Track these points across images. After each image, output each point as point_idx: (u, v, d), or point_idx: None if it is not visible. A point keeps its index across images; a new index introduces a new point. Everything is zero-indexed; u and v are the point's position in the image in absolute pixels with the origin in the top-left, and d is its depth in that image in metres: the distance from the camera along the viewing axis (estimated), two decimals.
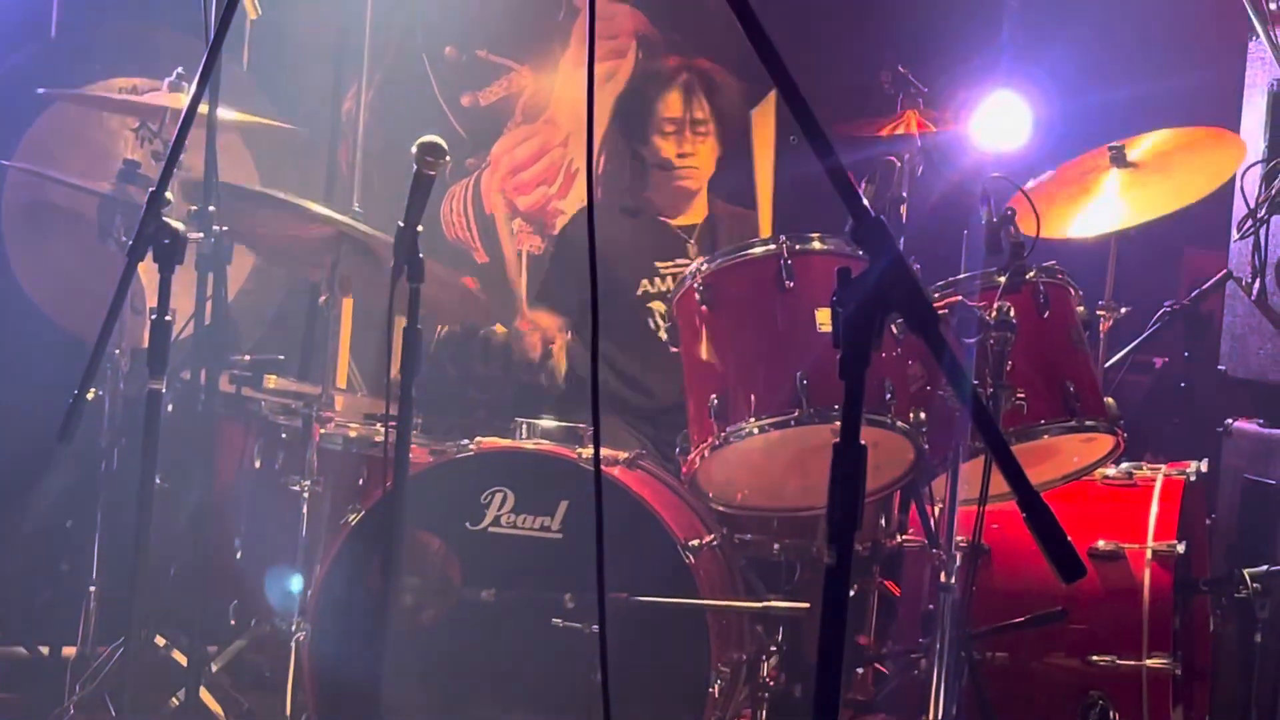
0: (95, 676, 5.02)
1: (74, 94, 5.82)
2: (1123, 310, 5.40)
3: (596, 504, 2.71)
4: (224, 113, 4.91)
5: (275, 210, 5.12)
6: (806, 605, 4.64)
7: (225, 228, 4.59)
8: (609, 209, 5.55)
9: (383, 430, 4.74)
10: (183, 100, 5.13)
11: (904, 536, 4.96)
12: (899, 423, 4.22)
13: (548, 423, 4.81)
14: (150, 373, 3.53)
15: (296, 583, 4.74)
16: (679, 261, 5.44)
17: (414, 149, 3.90)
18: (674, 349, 4.53)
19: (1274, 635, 5.01)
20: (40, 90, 5.80)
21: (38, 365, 5.96)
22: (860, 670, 4.97)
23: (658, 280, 5.45)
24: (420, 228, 3.92)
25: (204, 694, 4.83)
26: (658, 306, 5.43)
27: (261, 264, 6.52)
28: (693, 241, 5.48)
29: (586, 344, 5.45)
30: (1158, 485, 4.85)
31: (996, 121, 5.38)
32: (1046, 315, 4.45)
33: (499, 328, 5.44)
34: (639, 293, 5.44)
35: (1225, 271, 5.66)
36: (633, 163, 5.55)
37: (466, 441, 4.72)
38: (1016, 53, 6.16)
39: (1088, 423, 4.41)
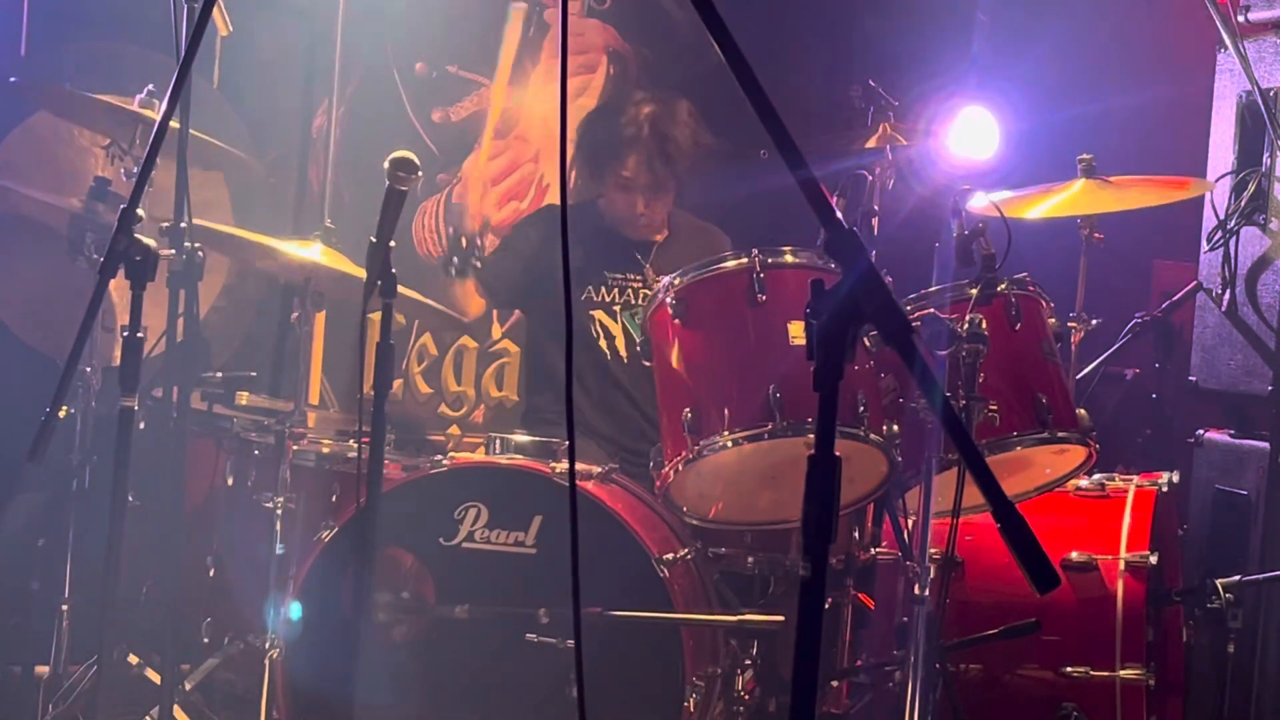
0: (68, 696, 5.00)
1: (50, 91, 5.77)
2: (1094, 322, 5.41)
3: (572, 519, 2.71)
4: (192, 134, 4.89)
5: (246, 246, 5.14)
6: (781, 618, 4.64)
7: (198, 245, 4.58)
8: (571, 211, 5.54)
9: (356, 446, 4.74)
10: (153, 117, 5.12)
11: (877, 549, 4.97)
12: (872, 435, 4.22)
13: (521, 437, 4.82)
14: (122, 390, 3.51)
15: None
16: (630, 275, 5.46)
17: (386, 164, 3.90)
18: (647, 362, 4.52)
19: (1246, 646, 5.02)
20: (12, 79, 5.76)
21: (7, 384, 5.93)
22: (835, 684, 4.97)
23: (604, 290, 5.46)
24: (393, 243, 3.92)
25: (177, 712, 4.80)
26: (600, 316, 5.44)
27: (233, 281, 6.51)
28: (648, 263, 5.48)
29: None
30: (1130, 496, 4.87)
31: (967, 135, 5.40)
32: (1018, 327, 4.46)
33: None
34: (582, 297, 5.45)
35: (1195, 283, 5.69)
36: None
37: (440, 457, 4.72)
38: (986, 67, 6.18)
39: (1060, 434, 4.43)
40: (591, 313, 5.46)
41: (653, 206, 5.41)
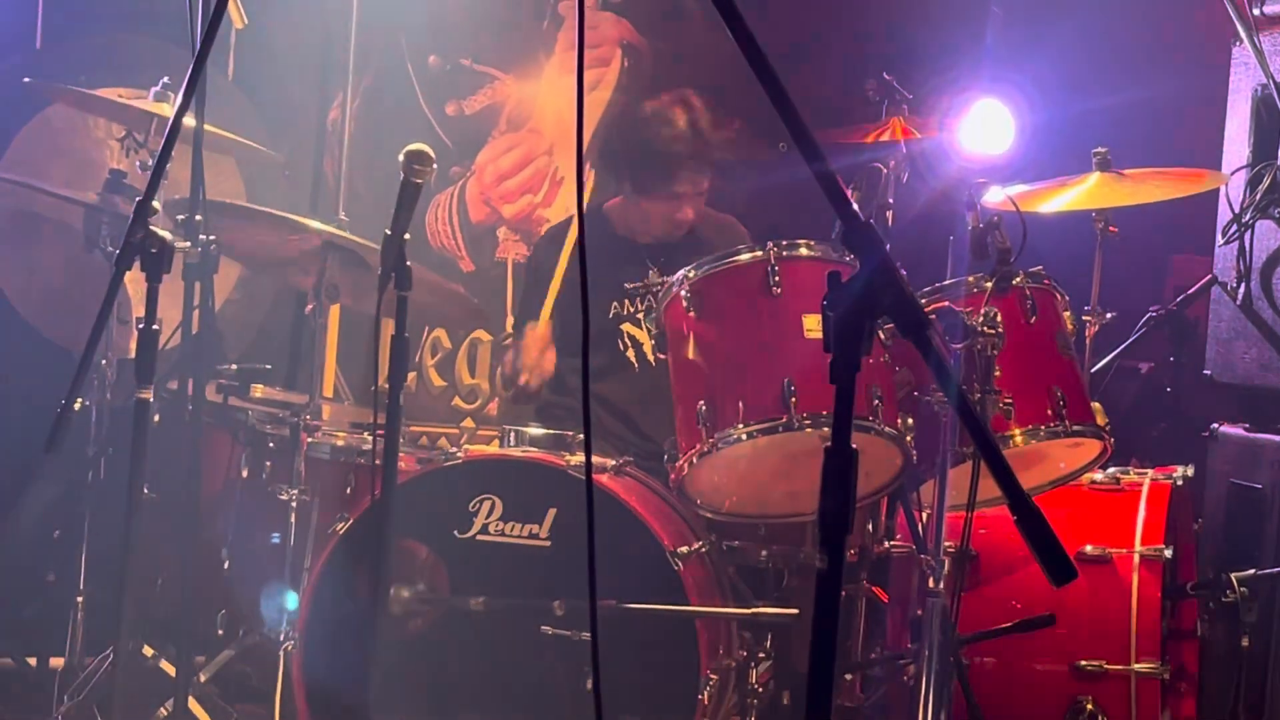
0: (83, 687, 5.01)
1: (62, 90, 5.78)
2: (1108, 315, 5.41)
3: (588, 511, 2.71)
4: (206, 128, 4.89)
5: (262, 224, 5.14)
6: (795, 611, 4.65)
7: (212, 237, 4.58)
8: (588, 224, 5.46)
9: (370, 439, 4.75)
10: (168, 110, 5.13)
11: (892, 542, 4.97)
12: (887, 429, 4.22)
13: (535, 430, 4.81)
14: (138, 382, 3.52)
15: (291, 600, 4.72)
16: (645, 283, 5.43)
17: (401, 157, 3.90)
18: (659, 356, 4.51)
19: (1261, 639, 5.02)
20: (26, 79, 5.76)
21: (24, 376, 5.95)
22: (849, 676, 4.97)
23: (625, 302, 5.44)
24: (407, 235, 3.93)
25: (192, 704, 4.82)
26: (627, 328, 5.42)
27: (248, 274, 6.52)
28: (654, 269, 5.44)
29: (570, 360, 5.44)
30: (1145, 490, 4.86)
31: (981, 128, 5.40)
32: (1033, 321, 4.46)
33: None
34: (610, 315, 5.43)
35: (1210, 276, 5.68)
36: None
37: (454, 449, 4.72)
38: (1000, 60, 6.17)
39: (1075, 428, 4.42)
40: (620, 327, 5.43)
41: (697, 206, 5.37)
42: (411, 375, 7.01)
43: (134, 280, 3.52)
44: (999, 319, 4.25)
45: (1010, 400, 4.30)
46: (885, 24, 6.59)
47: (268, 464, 5.11)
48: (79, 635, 5.18)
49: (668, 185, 5.27)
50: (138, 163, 5.28)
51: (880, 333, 4.28)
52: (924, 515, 4.54)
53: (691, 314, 4.35)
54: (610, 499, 4.48)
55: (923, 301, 4.38)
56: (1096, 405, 4.52)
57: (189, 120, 4.51)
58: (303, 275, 5.18)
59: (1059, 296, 4.58)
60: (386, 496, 3.93)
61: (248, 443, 5.18)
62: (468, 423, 6.98)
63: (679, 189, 5.27)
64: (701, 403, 4.27)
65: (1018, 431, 4.36)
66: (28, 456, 5.43)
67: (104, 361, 5.23)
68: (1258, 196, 5.39)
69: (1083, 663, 4.65)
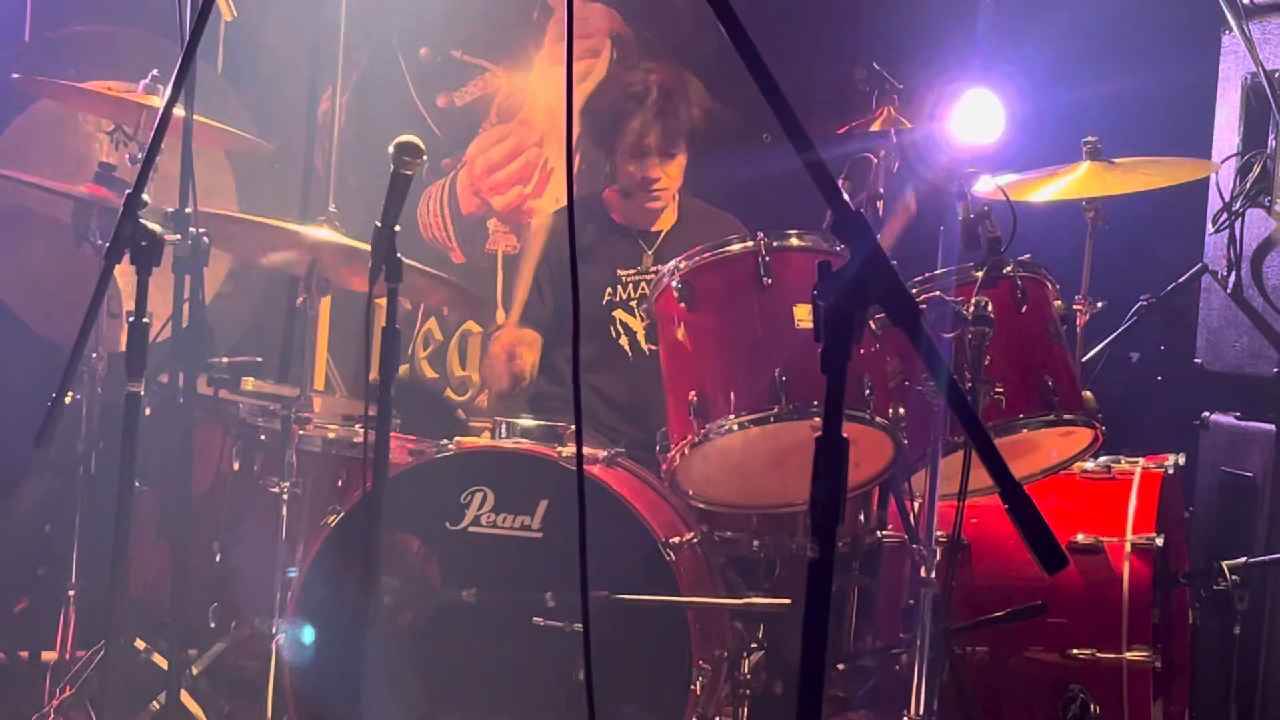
0: (75, 681, 5.01)
1: (51, 84, 5.76)
2: (1099, 304, 5.41)
3: (580, 502, 2.71)
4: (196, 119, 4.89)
5: (253, 229, 5.14)
6: (787, 602, 4.64)
7: (203, 230, 4.58)
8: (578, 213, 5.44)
9: (361, 431, 4.74)
10: (158, 103, 5.12)
11: (883, 532, 4.96)
12: (878, 418, 4.22)
13: (527, 421, 4.81)
14: (129, 375, 3.51)
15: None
16: (641, 270, 5.44)
17: (391, 149, 3.89)
18: (651, 347, 4.51)
19: (1252, 627, 5.03)
20: (14, 75, 5.75)
21: (13, 370, 5.94)
22: (841, 667, 4.97)
23: (619, 288, 5.44)
24: (398, 227, 3.92)
25: (185, 697, 4.82)
26: (620, 315, 5.42)
27: (239, 267, 6.51)
28: (650, 252, 5.45)
29: (562, 349, 5.44)
30: (1136, 479, 4.87)
31: (972, 118, 5.39)
32: (1024, 310, 4.45)
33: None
34: (603, 301, 5.43)
35: (1201, 265, 5.68)
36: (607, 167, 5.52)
37: (446, 441, 4.72)
38: (991, 49, 6.17)
39: (1066, 416, 4.42)
40: (613, 313, 5.43)
41: (667, 171, 5.36)
42: (403, 368, 7.00)
43: (124, 273, 3.51)
44: (990, 308, 4.25)
45: (1001, 389, 4.30)
46: (875, 13, 6.58)
47: (259, 457, 5.12)
48: (70, 629, 5.17)
49: (626, 136, 5.28)
50: (127, 156, 5.27)
51: (871, 322, 4.27)
52: (915, 505, 4.54)
53: (682, 304, 4.35)
54: (602, 490, 4.48)
55: (913, 291, 4.38)
56: (1088, 394, 4.52)
57: (178, 112, 4.50)
58: (294, 265, 5.18)
59: (1050, 285, 4.58)
60: (378, 489, 3.93)
61: (239, 436, 5.18)
62: (459, 414, 6.97)
63: (645, 141, 5.26)
64: (693, 393, 4.27)
65: (1009, 420, 4.36)
66: (18, 451, 5.42)
67: (94, 355, 5.22)
68: (1248, 185, 5.40)
69: (1074, 651, 4.65)
